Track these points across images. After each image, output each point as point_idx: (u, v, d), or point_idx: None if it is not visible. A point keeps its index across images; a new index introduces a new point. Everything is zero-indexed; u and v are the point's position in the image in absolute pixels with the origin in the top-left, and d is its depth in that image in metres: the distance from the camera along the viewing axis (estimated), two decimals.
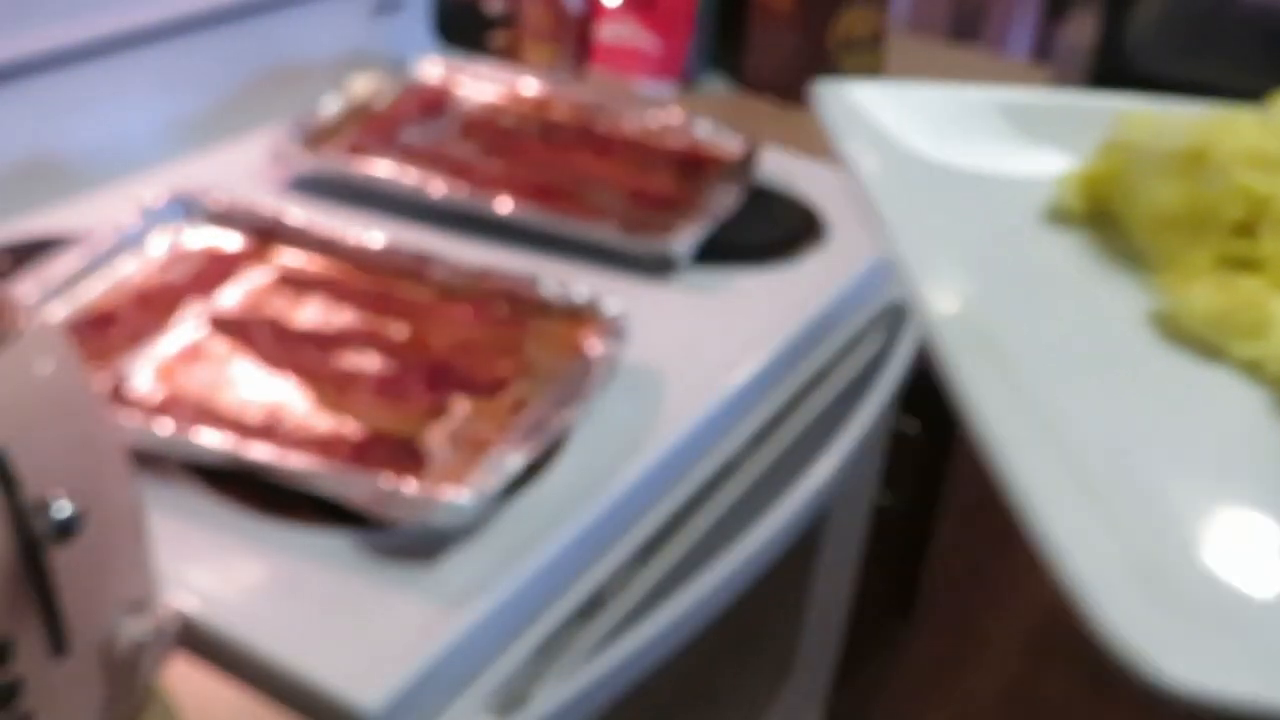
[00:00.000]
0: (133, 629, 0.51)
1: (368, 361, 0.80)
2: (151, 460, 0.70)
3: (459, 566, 0.65)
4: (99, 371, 0.76)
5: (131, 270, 0.86)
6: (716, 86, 1.33)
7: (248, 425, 0.72)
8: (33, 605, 0.47)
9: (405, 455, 0.70)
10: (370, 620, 0.62)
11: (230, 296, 0.85)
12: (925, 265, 0.59)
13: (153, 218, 0.90)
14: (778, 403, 0.89)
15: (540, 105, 1.19)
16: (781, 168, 1.14)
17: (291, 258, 0.90)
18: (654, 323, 0.87)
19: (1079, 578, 0.43)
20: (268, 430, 0.71)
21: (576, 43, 1.31)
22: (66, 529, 0.45)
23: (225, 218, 0.92)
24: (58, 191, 0.96)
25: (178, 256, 0.88)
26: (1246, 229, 0.61)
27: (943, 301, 0.57)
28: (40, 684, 0.48)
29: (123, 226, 0.87)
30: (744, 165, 1.08)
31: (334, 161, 1.00)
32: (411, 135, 1.10)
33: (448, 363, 0.79)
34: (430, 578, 0.65)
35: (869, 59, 1.28)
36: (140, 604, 0.52)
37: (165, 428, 0.68)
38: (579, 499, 0.71)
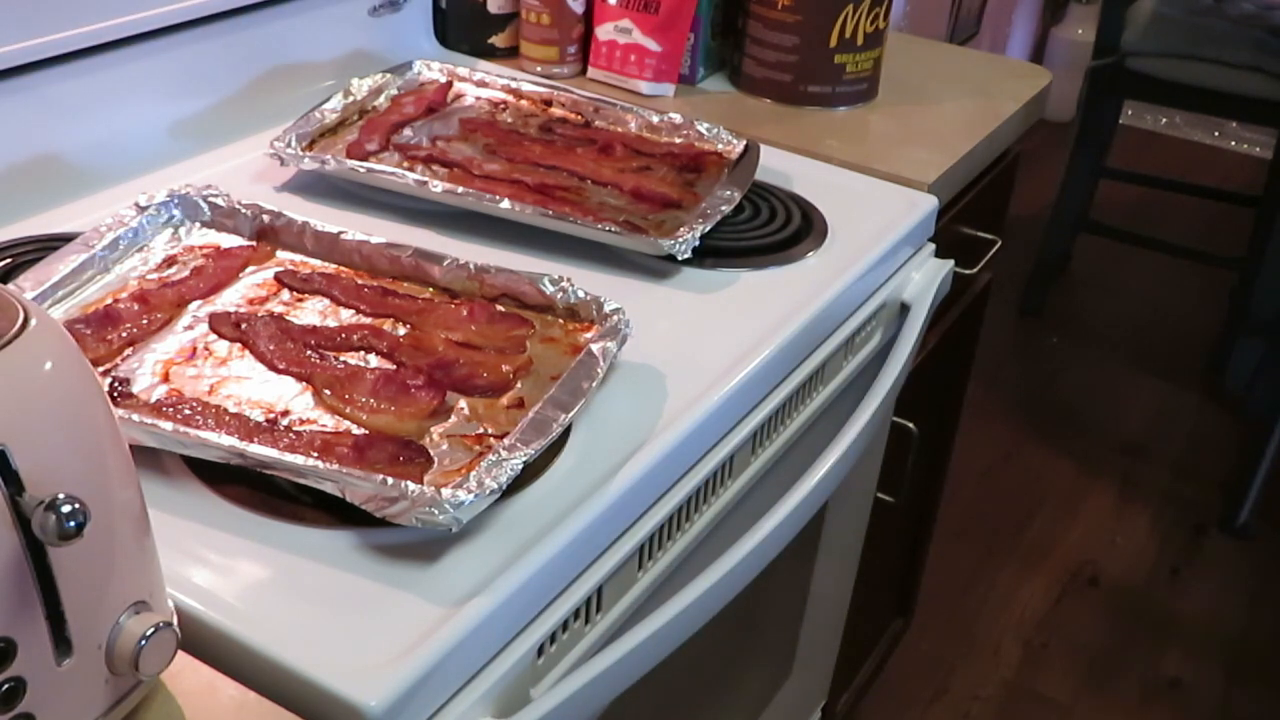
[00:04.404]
0: (135, 628, 0.51)
1: (368, 361, 0.80)
2: (153, 459, 0.70)
3: (459, 566, 0.65)
4: (100, 371, 0.76)
5: (132, 270, 0.86)
6: (716, 86, 1.33)
7: (248, 425, 0.72)
8: (35, 605, 0.47)
9: (406, 455, 0.70)
10: (370, 620, 0.62)
11: (230, 296, 0.85)
12: None
13: (153, 217, 0.90)
14: (777, 402, 0.89)
15: (540, 105, 1.19)
16: (781, 168, 1.14)
17: (291, 257, 0.90)
18: (654, 322, 0.88)
19: None
20: (268, 430, 0.71)
21: (576, 43, 1.31)
22: (69, 529, 0.45)
23: (225, 217, 0.92)
24: (58, 191, 0.96)
25: (178, 256, 0.88)
26: None
27: None
28: (42, 683, 0.48)
29: (123, 226, 0.87)
30: (744, 165, 1.08)
31: (334, 161, 1.00)
32: (411, 135, 1.10)
33: (448, 362, 0.79)
34: (430, 578, 0.65)
35: (869, 59, 1.28)
36: (142, 603, 0.52)
37: (166, 427, 0.68)
38: (579, 499, 0.71)
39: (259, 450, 0.67)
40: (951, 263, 1.11)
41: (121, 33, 0.98)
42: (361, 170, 0.99)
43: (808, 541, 1.15)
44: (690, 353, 0.86)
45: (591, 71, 1.32)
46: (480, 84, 1.21)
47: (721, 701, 1.12)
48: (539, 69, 1.30)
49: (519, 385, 0.78)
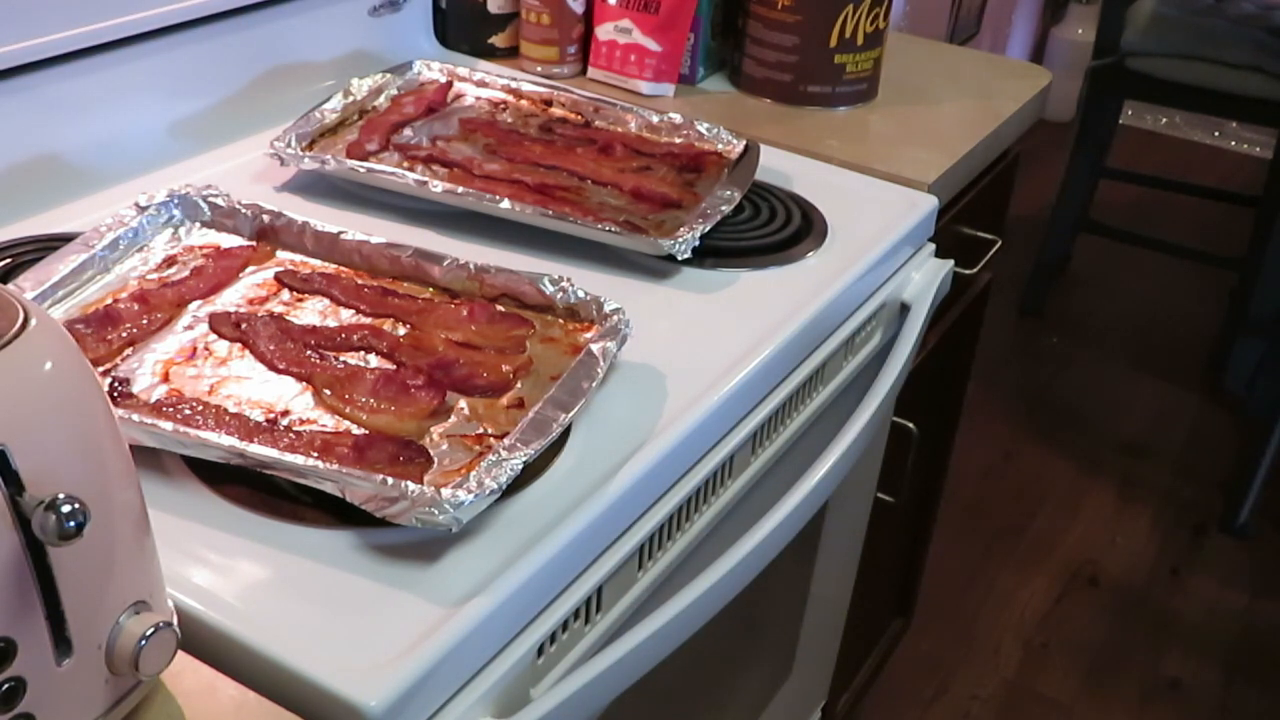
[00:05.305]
0: (134, 628, 0.51)
1: (368, 361, 0.80)
2: (153, 459, 0.70)
3: (459, 566, 0.65)
4: (100, 371, 0.76)
5: (132, 270, 0.86)
6: (716, 86, 1.33)
7: (248, 425, 0.72)
8: (35, 605, 0.47)
9: (406, 455, 0.70)
10: (370, 620, 0.62)
11: (230, 296, 0.85)
12: None
13: (153, 217, 0.90)
14: (777, 402, 0.89)
15: (540, 105, 1.19)
16: (781, 168, 1.14)
17: (291, 257, 0.90)
18: (654, 322, 0.88)
19: None
20: (268, 430, 0.71)
21: (576, 43, 1.31)
22: (69, 529, 0.45)
23: (225, 217, 0.92)
24: (58, 191, 0.96)
25: (178, 256, 0.88)
26: None
27: None
28: (42, 683, 0.48)
29: (123, 226, 0.87)
30: (744, 165, 1.08)
31: (334, 161, 1.00)
32: (411, 135, 1.10)
33: (448, 362, 0.79)
34: (430, 578, 0.65)
35: (869, 59, 1.28)
36: (142, 603, 0.52)
37: (166, 427, 0.68)
38: (579, 499, 0.71)
39: (259, 450, 0.67)
40: (951, 263, 1.11)
41: (121, 33, 0.98)
42: (361, 170, 0.99)
43: (808, 541, 1.15)
44: (690, 353, 0.86)
45: (591, 71, 1.32)
46: (480, 84, 1.21)
47: (721, 701, 1.12)
48: (539, 69, 1.30)
49: (519, 385, 0.78)
